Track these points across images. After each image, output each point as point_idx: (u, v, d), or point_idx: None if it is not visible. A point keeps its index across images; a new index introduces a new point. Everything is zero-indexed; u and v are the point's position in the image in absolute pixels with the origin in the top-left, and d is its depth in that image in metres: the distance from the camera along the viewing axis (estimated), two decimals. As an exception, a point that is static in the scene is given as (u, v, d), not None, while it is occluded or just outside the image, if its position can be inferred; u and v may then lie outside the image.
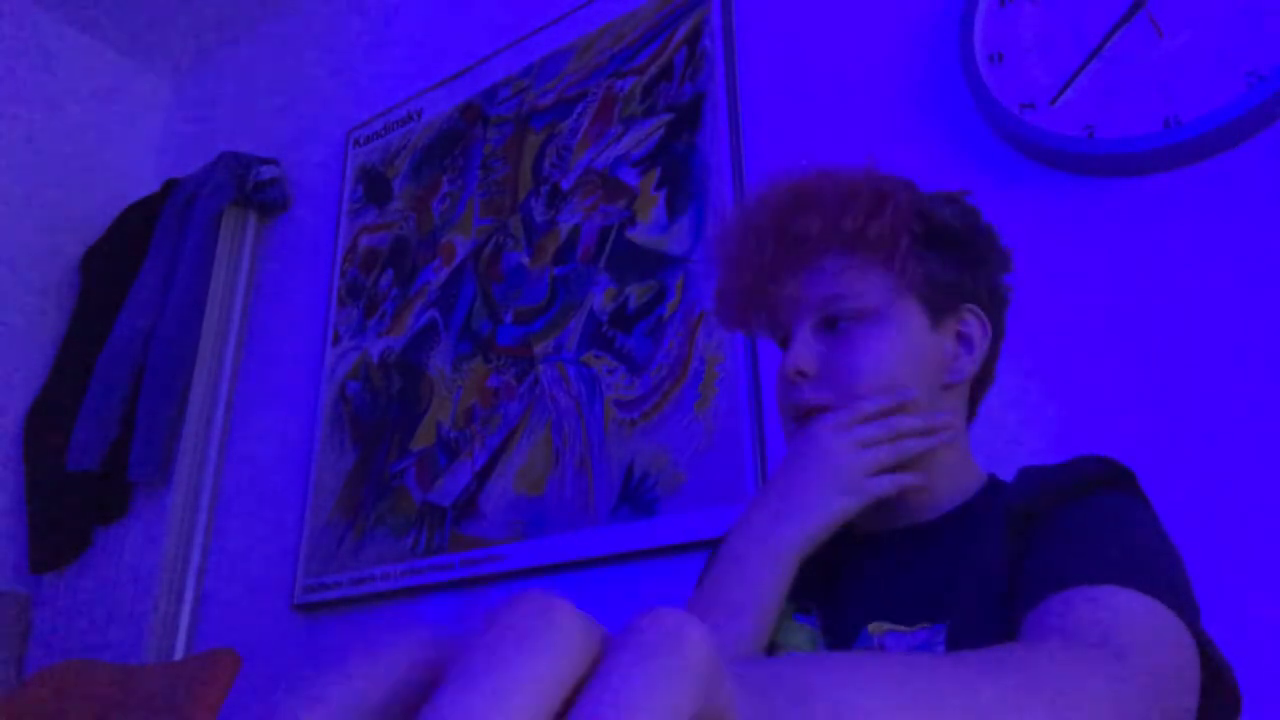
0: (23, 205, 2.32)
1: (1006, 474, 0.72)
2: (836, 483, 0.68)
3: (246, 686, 1.42)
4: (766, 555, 0.66)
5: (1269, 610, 0.91)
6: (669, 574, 1.31)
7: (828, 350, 0.72)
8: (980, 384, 0.78)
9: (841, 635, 0.68)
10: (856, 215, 0.70)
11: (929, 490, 0.72)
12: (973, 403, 0.79)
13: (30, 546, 2.10)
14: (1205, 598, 0.59)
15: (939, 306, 0.73)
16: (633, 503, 1.38)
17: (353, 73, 2.22)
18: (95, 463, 2.02)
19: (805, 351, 0.71)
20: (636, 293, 1.51)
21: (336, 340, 1.92)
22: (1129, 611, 0.51)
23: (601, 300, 1.55)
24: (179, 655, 1.85)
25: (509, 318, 1.67)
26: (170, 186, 2.33)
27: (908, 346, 0.72)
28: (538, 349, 1.60)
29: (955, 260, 0.74)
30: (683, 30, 1.61)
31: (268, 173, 2.17)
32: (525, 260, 1.69)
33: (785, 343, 0.76)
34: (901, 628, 0.65)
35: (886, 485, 0.69)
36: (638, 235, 1.54)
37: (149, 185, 2.46)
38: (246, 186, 2.15)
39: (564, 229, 1.65)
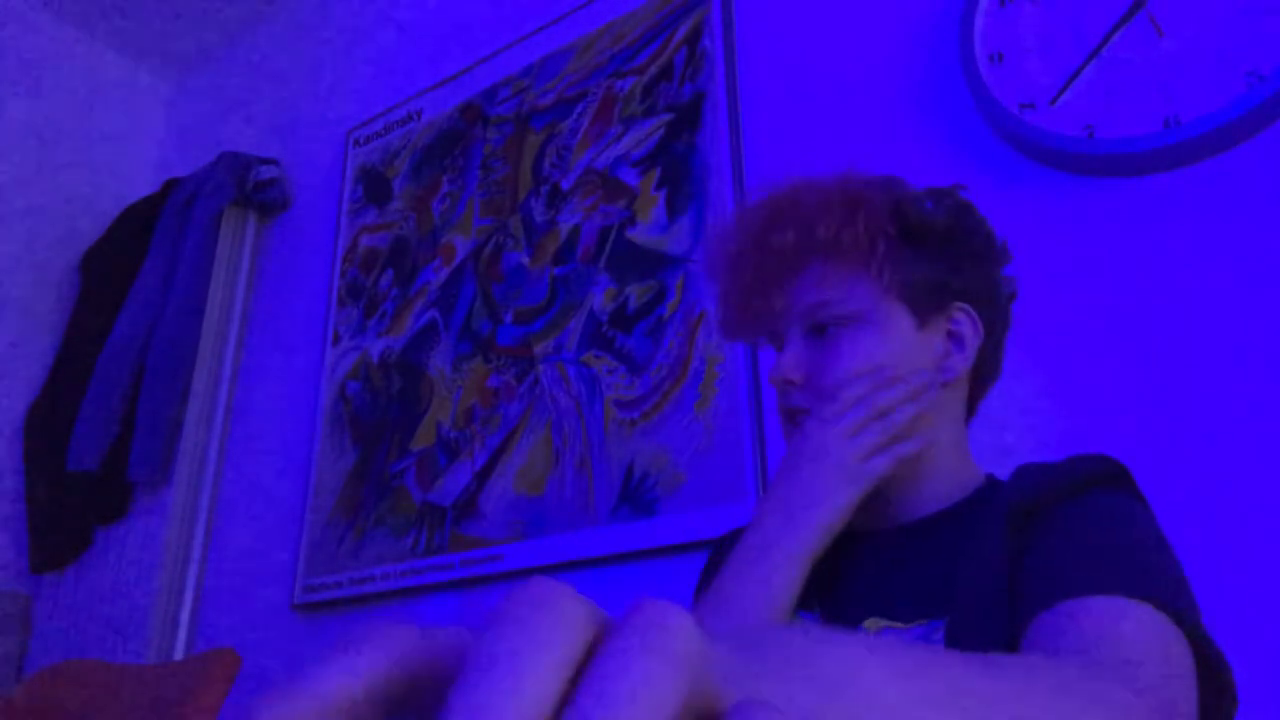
0: (23, 205, 2.32)
1: (1006, 474, 0.72)
2: (836, 475, 0.69)
3: (246, 686, 1.42)
4: (780, 557, 0.67)
5: (1269, 610, 0.91)
6: (669, 574, 1.31)
7: (816, 355, 0.73)
8: (981, 380, 0.78)
9: None
10: (829, 224, 0.71)
11: (932, 474, 0.73)
12: (974, 399, 0.79)
13: (30, 546, 2.11)
14: (1205, 598, 0.59)
15: (924, 306, 0.73)
16: (633, 503, 1.38)
17: (353, 73, 2.22)
18: (95, 463, 2.02)
19: (791, 359, 0.73)
20: (636, 293, 1.51)
21: (336, 340, 1.92)
22: (1138, 627, 0.51)
23: (601, 300, 1.55)
24: (179, 655, 1.85)
25: (509, 318, 1.67)
26: (170, 186, 2.33)
27: (893, 348, 0.72)
28: (538, 349, 1.60)
29: (939, 259, 0.74)
30: (683, 30, 1.61)
31: (268, 173, 2.17)
32: (525, 260, 1.69)
33: (781, 350, 0.78)
34: (898, 624, 0.65)
35: (885, 461, 0.70)
36: (638, 235, 1.54)
37: (149, 185, 2.46)
38: (246, 186, 2.15)
39: (564, 229, 1.65)
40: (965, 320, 0.75)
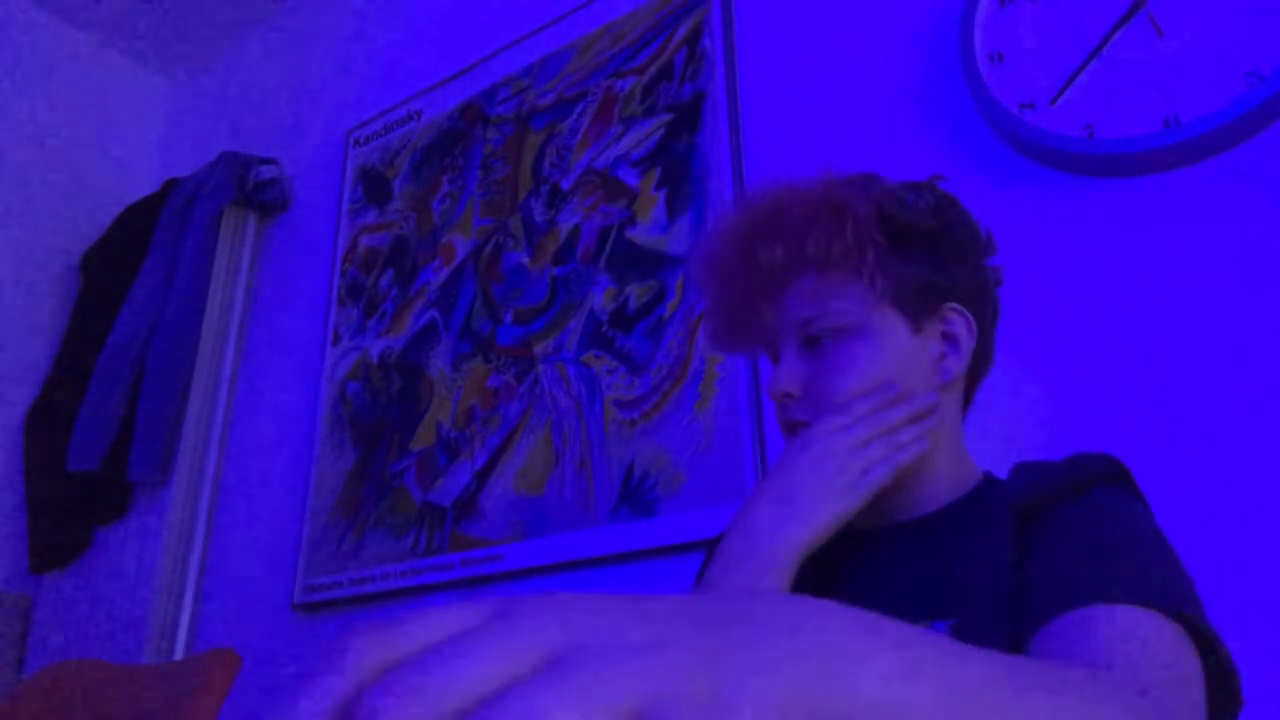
0: (23, 205, 2.32)
1: (1005, 473, 0.72)
2: (835, 484, 0.68)
3: (246, 686, 1.42)
4: (767, 557, 0.66)
5: (1269, 610, 0.91)
6: (669, 574, 1.31)
7: (813, 368, 0.73)
8: (975, 372, 0.78)
9: None
10: (818, 237, 0.70)
11: (930, 473, 0.72)
12: (969, 391, 0.79)
13: (30, 546, 2.10)
14: (1204, 598, 0.59)
15: (918, 310, 0.73)
16: (633, 503, 1.38)
17: (353, 73, 2.22)
18: (95, 463, 2.02)
19: (788, 373, 0.73)
20: (636, 293, 1.51)
21: (336, 340, 1.92)
22: (1146, 634, 0.51)
23: (601, 300, 1.55)
24: (179, 655, 1.85)
25: (509, 318, 1.67)
26: (170, 186, 2.33)
27: (890, 356, 0.72)
28: (538, 349, 1.60)
29: (928, 260, 0.73)
30: (683, 30, 1.61)
31: (268, 173, 2.17)
32: (525, 260, 1.69)
33: (776, 360, 0.77)
34: None
35: (884, 471, 0.69)
36: (638, 235, 1.54)
37: (149, 185, 2.46)
38: (246, 186, 2.15)
39: (564, 229, 1.65)
40: (958, 320, 0.75)
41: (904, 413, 0.70)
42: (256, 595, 1.82)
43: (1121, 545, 0.59)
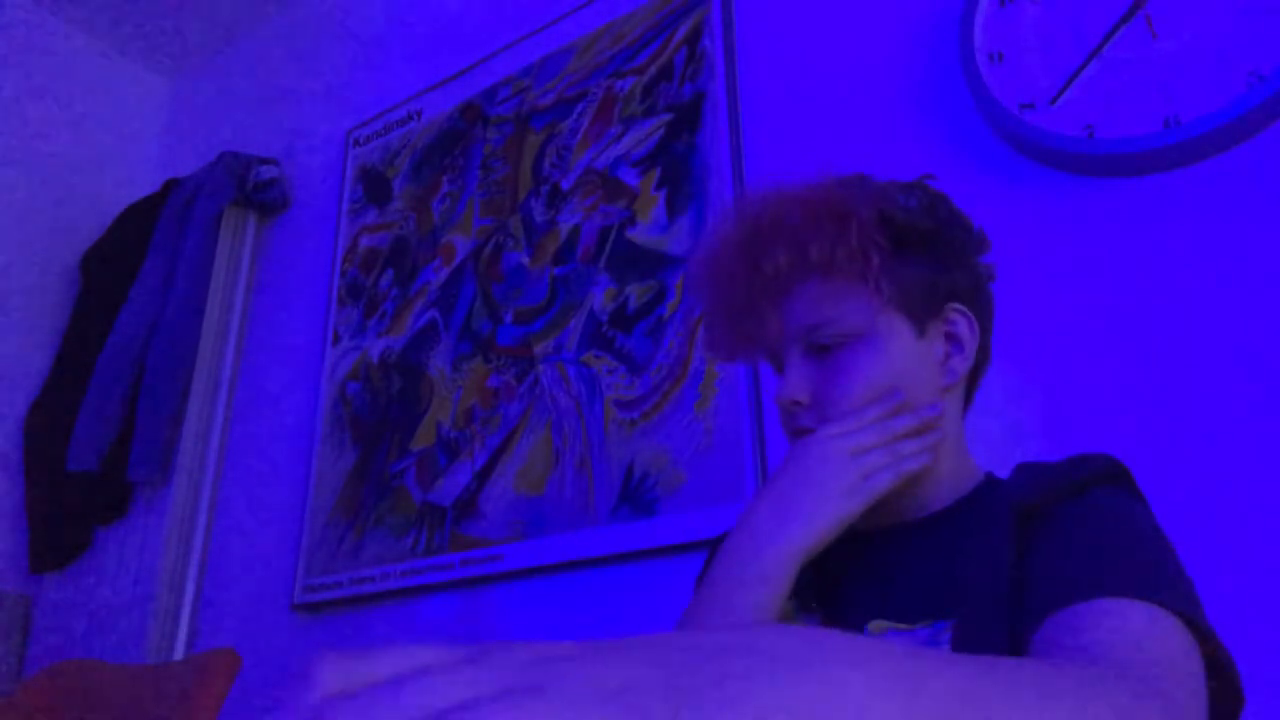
0: (23, 205, 2.32)
1: (1006, 473, 0.72)
2: (837, 488, 0.68)
3: (246, 686, 1.42)
4: (768, 560, 0.66)
5: (1269, 610, 0.91)
6: (669, 574, 1.31)
7: (819, 374, 0.72)
8: (975, 371, 0.78)
9: None
10: (822, 243, 0.69)
11: (932, 474, 0.72)
12: (970, 389, 0.79)
13: (30, 546, 2.11)
14: (1205, 598, 0.59)
15: (922, 313, 0.73)
16: (633, 503, 1.38)
17: (353, 73, 2.22)
18: (95, 463, 2.02)
19: (796, 381, 0.72)
20: (636, 293, 1.51)
21: (336, 340, 1.92)
22: (1145, 630, 0.51)
23: (601, 300, 1.55)
24: (179, 655, 1.85)
25: (509, 318, 1.67)
26: (170, 186, 2.33)
27: (895, 361, 0.71)
28: (538, 349, 1.60)
29: (929, 262, 0.73)
30: (683, 30, 1.61)
31: (268, 173, 2.17)
32: (525, 260, 1.69)
33: (780, 367, 0.76)
34: (902, 626, 0.65)
35: (887, 478, 0.69)
36: (638, 235, 1.54)
37: (149, 185, 2.46)
38: (246, 186, 2.15)
39: (564, 229, 1.65)
40: (961, 321, 0.75)
41: (909, 423, 0.70)
42: (256, 595, 1.82)
43: (1122, 543, 0.59)
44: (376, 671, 0.24)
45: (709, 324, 0.80)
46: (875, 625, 0.67)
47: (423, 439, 1.69)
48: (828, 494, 0.67)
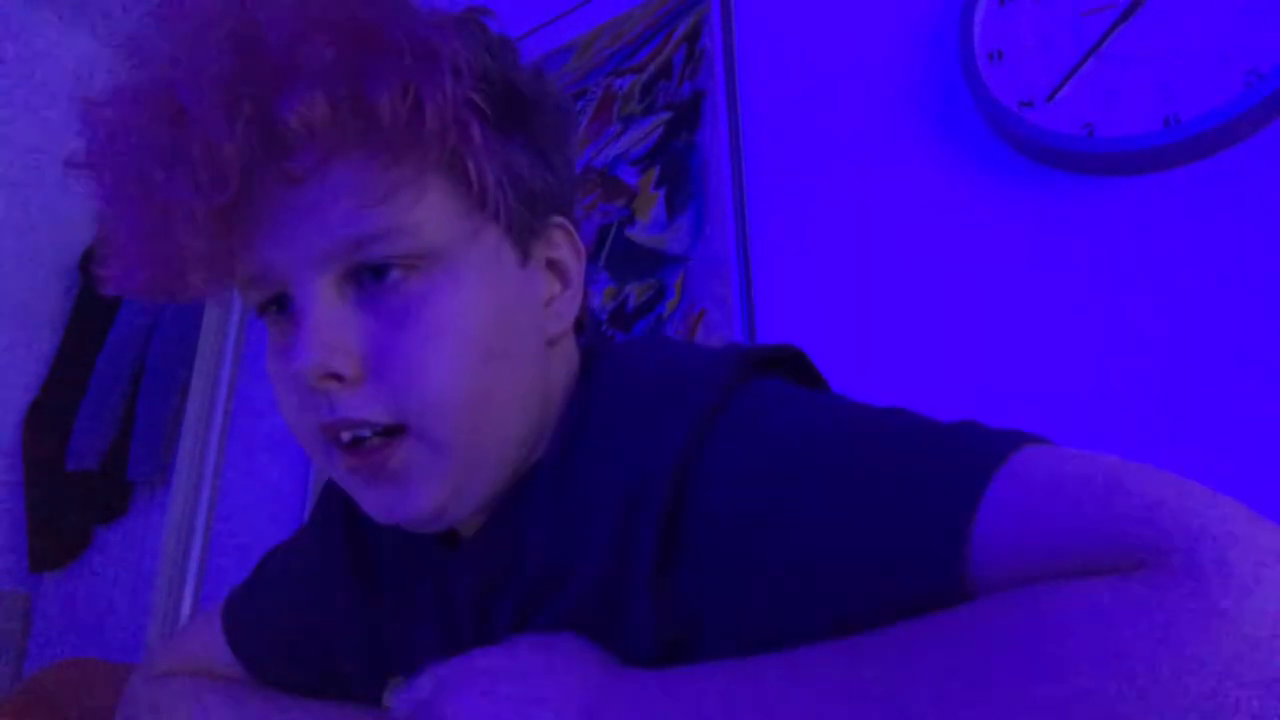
0: (22, 204, 2.32)
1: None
2: None
3: (246, 686, 1.42)
4: None
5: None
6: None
7: (370, 322, 0.45)
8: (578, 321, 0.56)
9: None
10: (397, 93, 0.41)
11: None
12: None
13: (30, 546, 2.11)
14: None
15: (527, 229, 0.50)
16: (632, 502, 1.38)
17: (352, 72, 2.21)
18: (95, 463, 2.02)
19: (331, 334, 0.44)
20: (636, 291, 1.51)
21: (336, 340, 1.92)
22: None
23: (601, 299, 1.55)
24: (179, 655, 1.85)
25: (508, 317, 1.67)
26: (170, 186, 2.33)
27: (498, 301, 0.47)
28: (537, 348, 1.60)
29: (530, 148, 0.50)
30: (682, 28, 1.60)
31: (267, 172, 2.17)
32: (524, 259, 1.69)
33: (274, 308, 0.47)
34: None
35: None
36: (637, 234, 1.54)
37: (148, 185, 2.46)
38: (246, 186, 2.15)
39: (563, 228, 1.65)
40: (565, 243, 0.54)
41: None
42: (256, 595, 1.82)
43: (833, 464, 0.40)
44: None
45: (123, 228, 0.48)
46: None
47: (422, 438, 1.69)
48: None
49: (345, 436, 0.45)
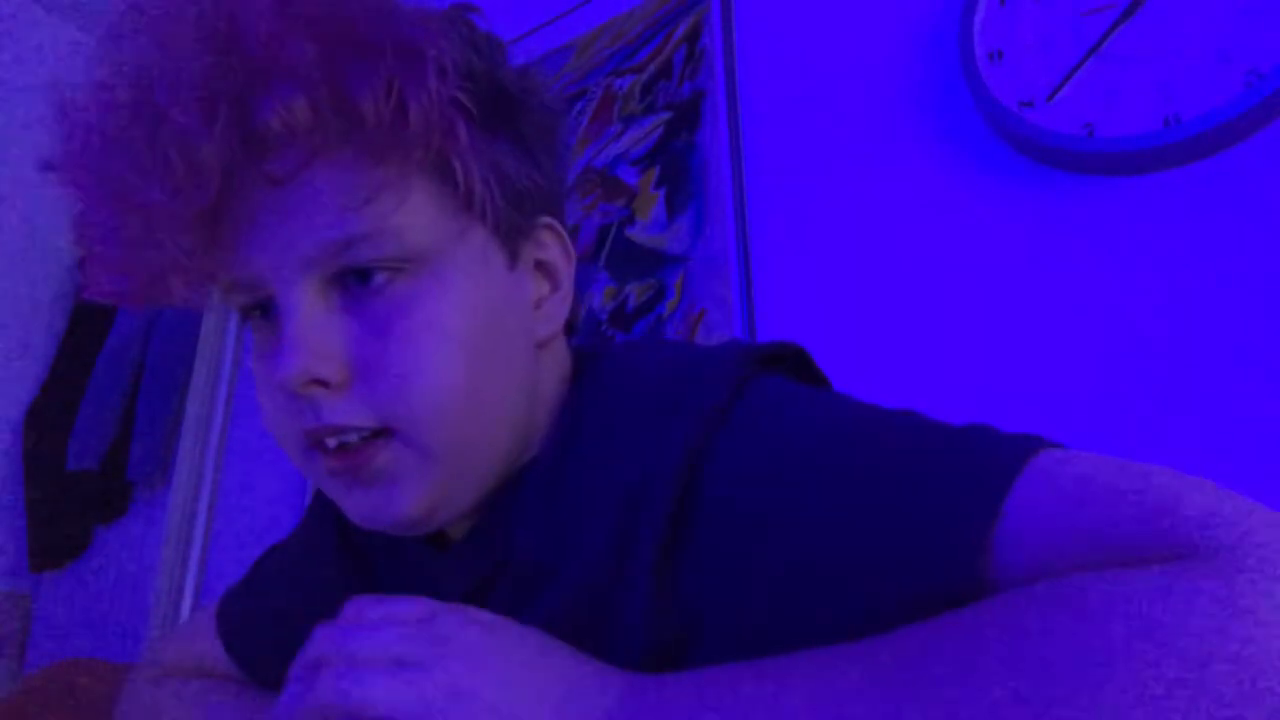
0: (23, 204, 2.32)
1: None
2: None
3: (246, 686, 1.42)
4: None
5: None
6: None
7: (355, 327, 0.44)
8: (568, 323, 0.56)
9: None
10: (380, 92, 0.40)
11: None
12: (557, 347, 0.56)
13: (30, 546, 2.11)
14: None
15: (515, 230, 0.49)
16: (632, 502, 1.38)
17: (352, 72, 2.21)
18: (95, 462, 2.02)
19: (316, 340, 0.43)
20: (636, 291, 1.51)
21: (336, 340, 1.92)
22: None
23: (601, 299, 1.55)
24: (179, 655, 1.85)
25: (508, 317, 1.67)
26: (169, 186, 2.33)
27: (485, 303, 0.47)
28: (537, 348, 1.60)
29: (517, 147, 0.49)
30: (682, 28, 1.60)
31: (267, 172, 2.17)
32: (524, 259, 1.69)
33: (258, 313, 0.47)
34: None
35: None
36: (637, 234, 1.54)
37: (148, 185, 2.46)
38: (246, 186, 2.15)
39: (563, 228, 1.65)
40: (554, 243, 0.53)
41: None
42: (256, 595, 1.82)
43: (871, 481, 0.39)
44: (364, 614, 0.32)
45: (101, 233, 0.43)
46: None
47: (422, 438, 1.69)
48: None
49: (330, 442, 0.45)
